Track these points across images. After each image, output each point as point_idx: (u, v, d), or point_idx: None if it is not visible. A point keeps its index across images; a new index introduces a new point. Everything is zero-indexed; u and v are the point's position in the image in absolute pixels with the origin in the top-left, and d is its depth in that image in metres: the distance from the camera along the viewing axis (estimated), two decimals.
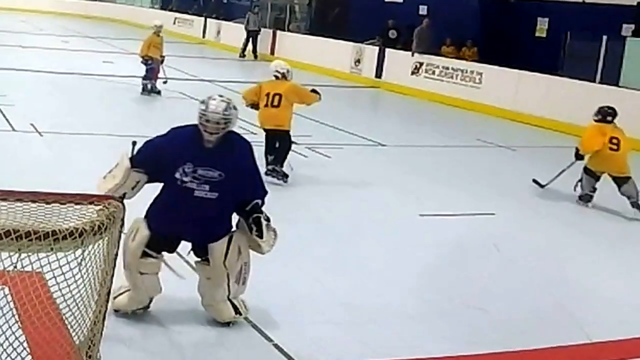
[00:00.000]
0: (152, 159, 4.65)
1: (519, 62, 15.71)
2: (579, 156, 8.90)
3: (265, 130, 8.67)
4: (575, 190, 8.83)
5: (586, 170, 8.80)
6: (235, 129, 4.71)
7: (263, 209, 4.71)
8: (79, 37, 27.07)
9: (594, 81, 14.54)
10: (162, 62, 14.39)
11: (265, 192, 4.76)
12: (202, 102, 4.63)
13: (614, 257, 7.20)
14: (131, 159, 4.65)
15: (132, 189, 4.62)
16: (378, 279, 5.91)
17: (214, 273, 4.71)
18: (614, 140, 8.66)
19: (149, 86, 14.43)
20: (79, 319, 3.11)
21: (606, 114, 8.82)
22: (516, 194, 9.14)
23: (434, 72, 17.70)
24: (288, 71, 8.73)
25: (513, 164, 11.35)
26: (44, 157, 8.91)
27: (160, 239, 4.66)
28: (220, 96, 4.69)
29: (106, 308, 3.39)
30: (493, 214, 8.09)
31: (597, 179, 8.75)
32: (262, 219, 4.63)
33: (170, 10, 34.32)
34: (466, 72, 16.79)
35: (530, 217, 8.28)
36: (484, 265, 6.57)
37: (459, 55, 18.12)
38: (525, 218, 8.20)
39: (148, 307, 4.80)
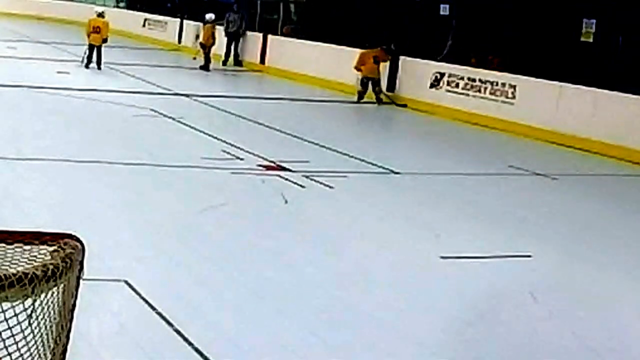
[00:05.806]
0: None
1: (560, 73, 15.81)
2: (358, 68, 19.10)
3: (92, 45, 21.00)
4: None
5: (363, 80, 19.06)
6: None
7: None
8: (29, 42, 27.24)
9: None
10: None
11: None
12: None
13: None
14: None
15: None
16: (389, 335, 5.92)
17: None
18: (377, 59, 18.65)
19: None
20: None
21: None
22: (557, 232, 9.16)
23: (457, 85, 17.81)
24: (104, 11, 22.15)
25: (553, 195, 11.39)
26: None
27: None
28: None
29: None
30: (529, 256, 8.11)
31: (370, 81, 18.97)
32: None
33: (139, 10, 34.57)
34: (496, 84, 16.89)
35: (575, 260, 8.29)
36: (518, 319, 6.57)
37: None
38: (568, 261, 8.22)
39: None
